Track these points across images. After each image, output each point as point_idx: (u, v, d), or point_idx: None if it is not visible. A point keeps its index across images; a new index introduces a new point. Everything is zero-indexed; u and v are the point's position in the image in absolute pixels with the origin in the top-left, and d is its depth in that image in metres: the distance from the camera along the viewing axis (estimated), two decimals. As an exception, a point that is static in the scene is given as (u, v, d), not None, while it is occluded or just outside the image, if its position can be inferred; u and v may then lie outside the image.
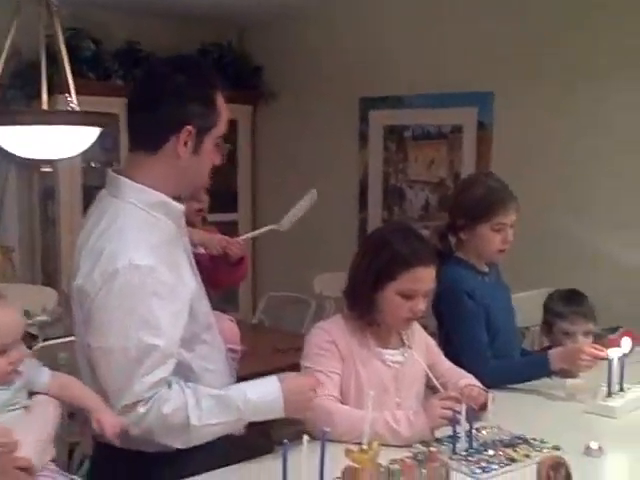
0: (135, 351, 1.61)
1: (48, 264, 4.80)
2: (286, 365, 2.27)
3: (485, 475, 1.74)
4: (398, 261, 1.99)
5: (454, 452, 1.83)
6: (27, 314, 3.49)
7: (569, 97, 3.88)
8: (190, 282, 1.76)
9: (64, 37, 3.17)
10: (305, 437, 1.43)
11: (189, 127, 1.70)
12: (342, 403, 1.99)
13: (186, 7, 4.75)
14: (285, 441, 1.45)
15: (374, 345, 2.07)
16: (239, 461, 1.80)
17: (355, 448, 1.51)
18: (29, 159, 3.24)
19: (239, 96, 5.03)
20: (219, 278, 2.71)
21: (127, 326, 1.61)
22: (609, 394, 2.18)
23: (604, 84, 3.74)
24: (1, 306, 1.56)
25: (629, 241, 3.70)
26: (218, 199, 4.82)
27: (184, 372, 1.72)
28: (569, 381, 2.31)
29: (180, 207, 1.78)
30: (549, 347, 2.53)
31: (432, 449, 1.73)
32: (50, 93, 3.23)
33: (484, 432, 1.96)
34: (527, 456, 1.82)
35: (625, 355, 2.23)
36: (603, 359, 2.26)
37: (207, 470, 1.73)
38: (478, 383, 2.13)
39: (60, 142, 3.02)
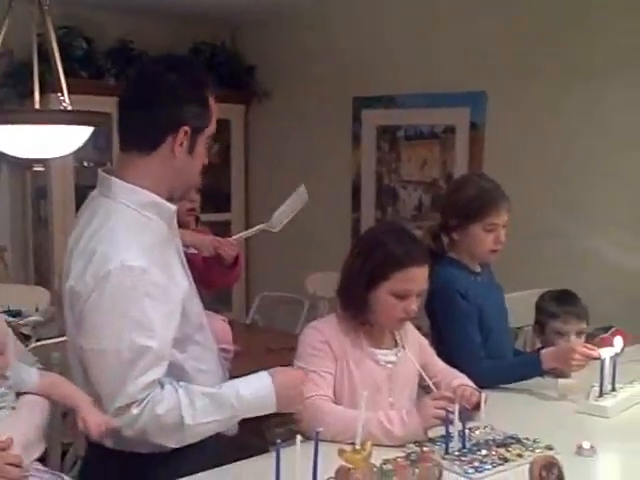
0: (128, 353, 1.61)
1: (41, 264, 4.79)
2: (279, 365, 2.27)
3: (478, 475, 1.74)
4: (391, 261, 1.99)
5: (447, 452, 1.83)
6: (20, 314, 3.48)
7: (562, 97, 3.89)
8: (182, 282, 1.76)
9: (56, 36, 3.17)
10: (298, 437, 1.43)
11: (186, 127, 1.70)
12: (335, 403, 1.99)
13: (179, 6, 4.75)
14: (278, 441, 1.45)
15: (367, 345, 2.07)
16: (233, 461, 1.80)
17: (348, 448, 1.51)
18: (21, 158, 3.24)
19: (232, 95, 5.04)
20: (213, 279, 2.70)
21: (120, 328, 1.61)
22: (601, 394, 2.18)
23: (598, 83, 3.74)
24: None
25: (622, 241, 3.70)
26: (211, 199, 4.85)
27: (176, 373, 1.72)
28: (561, 381, 2.31)
29: (172, 207, 1.78)
30: (542, 348, 2.53)
31: (425, 449, 1.73)
32: (42, 92, 3.22)
33: (477, 432, 1.96)
34: (520, 456, 1.83)
35: (617, 355, 2.23)
36: (595, 359, 2.26)
37: (200, 470, 1.73)
38: (471, 383, 2.13)
39: (52, 141, 3.01)
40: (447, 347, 2.34)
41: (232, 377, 1.96)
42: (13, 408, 1.61)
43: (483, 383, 2.16)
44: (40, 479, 1.58)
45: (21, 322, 3.34)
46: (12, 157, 3.19)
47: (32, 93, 3.17)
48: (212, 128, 1.77)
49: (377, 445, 1.70)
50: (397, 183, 4.71)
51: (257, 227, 2.81)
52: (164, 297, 1.66)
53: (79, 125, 3.03)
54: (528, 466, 1.60)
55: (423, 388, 2.14)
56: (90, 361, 1.66)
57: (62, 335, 2.23)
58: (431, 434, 1.91)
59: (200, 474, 1.72)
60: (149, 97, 1.71)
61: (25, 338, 3.18)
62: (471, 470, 1.75)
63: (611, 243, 3.72)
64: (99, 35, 4.74)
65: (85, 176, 4.59)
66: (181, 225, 2.00)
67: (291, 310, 4.65)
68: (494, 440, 1.92)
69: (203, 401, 1.68)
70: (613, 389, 2.23)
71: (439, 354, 2.25)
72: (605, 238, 3.74)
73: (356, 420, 1.56)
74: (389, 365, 2.08)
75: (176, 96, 1.70)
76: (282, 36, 5.19)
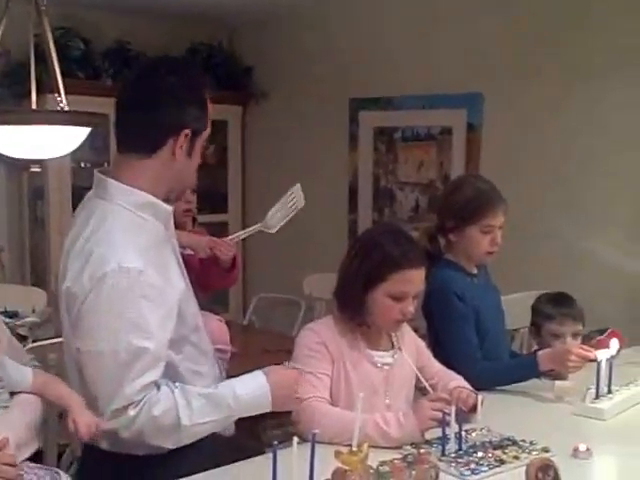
0: (125, 354, 1.61)
1: (37, 264, 4.78)
2: (275, 366, 2.27)
3: (474, 477, 1.74)
4: (388, 263, 1.99)
5: (443, 454, 1.83)
6: (17, 315, 3.47)
7: (561, 97, 3.87)
8: (178, 283, 1.76)
9: (53, 36, 3.16)
10: (295, 439, 1.43)
11: (187, 131, 1.70)
12: (332, 405, 1.99)
13: (176, 7, 4.74)
14: (275, 443, 1.45)
15: (364, 347, 2.07)
16: (229, 463, 1.80)
17: (345, 450, 1.51)
18: (18, 159, 3.24)
19: (229, 96, 5.04)
20: (211, 282, 2.70)
21: (117, 329, 1.61)
22: (597, 396, 2.19)
23: (598, 83, 3.71)
24: None
25: (621, 243, 3.69)
26: (208, 200, 4.85)
27: (172, 374, 1.72)
28: (557, 383, 2.31)
29: (168, 208, 1.78)
30: (538, 350, 2.53)
31: (422, 451, 1.74)
32: (39, 93, 3.22)
33: (473, 434, 1.96)
34: (516, 458, 1.83)
35: (613, 357, 2.24)
36: (591, 360, 2.26)
37: (197, 472, 1.73)
38: (468, 385, 2.13)
39: (49, 142, 3.01)
40: (444, 349, 2.34)
41: (228, 378, 1.97)
42: (6, 407, 1.61)
43: (480, 385, 2.16)
44: (35, 475, 1.59)
45: (18, 323, 3.34)
46: (9, 157, 3.18)
47: (29, 93, 3.17)
48: (209, 130, 1.78)
49: (374, 447, 1.70)
50: (394, 184, 4.71)
51: (253, 227, 2.81)
52: (160, 299, 1.66)
53: (76, 126, 3.03)
54: (524, 468, 1.60)
55: (420, 390, 2.14)
56: (87, 363, 1.65)
57: (59, 336, 2.22)
58: (428, 436, 1.91)
59: (197, 475, 1.72)
60: (149, 100, 1.70)
61: (22, 339, 3.17)
62: (467, 472, 1.75)
63: (610, 245, 3.70)
64: (96, 36, 4.74)
65: (82, 177, 4.58)
66: (178, 226, 2.00)
67: (288, 311, 4.64)
68: (490, 442, 1.92)
69: (200, 402, 1.68)
70: (609, 391, 2.23)
71: (436, 356, 2.26)
72: (604, 239, 3.72)
73: (353, 422, 1.57)
74: (386, 367, 2.08)
75: (177, 99, 1.70)
76: (279, 37, 5.19)
